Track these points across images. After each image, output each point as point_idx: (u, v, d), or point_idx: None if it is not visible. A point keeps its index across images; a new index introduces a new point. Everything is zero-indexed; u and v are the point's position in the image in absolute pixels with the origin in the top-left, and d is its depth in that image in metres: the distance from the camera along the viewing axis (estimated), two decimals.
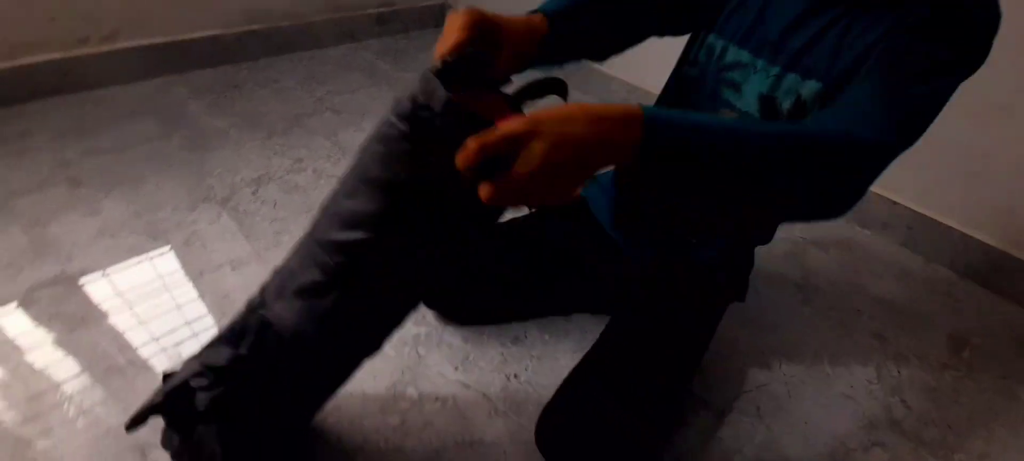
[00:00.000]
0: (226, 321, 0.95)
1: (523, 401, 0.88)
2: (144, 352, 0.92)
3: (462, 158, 0.44)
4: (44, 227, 1.15)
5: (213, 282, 1.05)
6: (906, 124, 0.55)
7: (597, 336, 0.84)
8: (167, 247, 1.12)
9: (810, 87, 0.65)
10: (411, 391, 0.88)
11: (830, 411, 0.92)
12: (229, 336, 0.63)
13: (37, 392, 0.84)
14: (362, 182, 0.56)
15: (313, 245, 0.60)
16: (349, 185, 0.58)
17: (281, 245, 1.15)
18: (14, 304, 0.98)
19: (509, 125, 0.43)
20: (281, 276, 0.62)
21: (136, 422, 0.61)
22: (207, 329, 0.96)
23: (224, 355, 0.61)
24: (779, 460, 0.84)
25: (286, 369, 0.62)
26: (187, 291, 1.03)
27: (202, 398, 0.60)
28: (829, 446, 0.86)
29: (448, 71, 0.52)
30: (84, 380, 0.86)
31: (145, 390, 0.85)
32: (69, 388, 0.85)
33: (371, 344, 0.68)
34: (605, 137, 0.44)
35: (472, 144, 0.43)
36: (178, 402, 0.61)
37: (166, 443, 0.64)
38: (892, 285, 1.20)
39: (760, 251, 1.19)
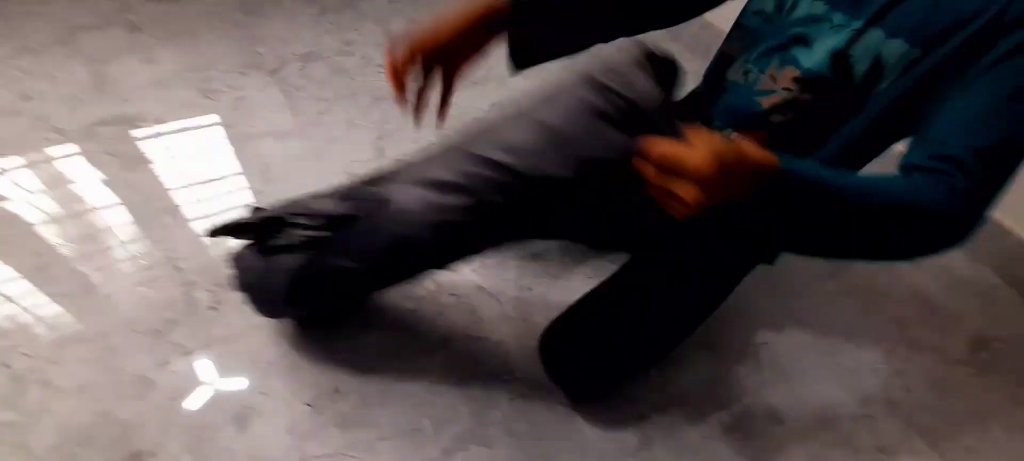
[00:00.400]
0: (268, 186, 1.01)
1: (532, 311, 0.92)
2: (186, 201, 0.98)
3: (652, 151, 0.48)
4: (104, 65, 1.19)
5: (256, 149, 1.09)
6: (1007, 178, 0.55)
7: (613, 269, 0.86)
8: (216, 107, 1.16)
9: (894, 47, 0.60)
10: (429, 283, 0.93)
11: (828, 379, 0.93)
12: (336, 195, 0.68)
13: (93, 227, 0.92)
14: (554, 141, 0.57)
15: (461, 154, 0.60)
16: (529, 129, 0.59)
17: (323, 124, 1.17)
18: (76, 136, 1.04)
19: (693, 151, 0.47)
20: (408, 167, 0.65)
21: (221, 233, 0.69)
22: (243, 190, 1.01)
23: (331, 206, 0.66)
24: (766, 410, 0.87)
25: (387, 243, 0.64)
26: (230, 153, 1.08)
27: (297, 234, 0.66)
28: (817, 408, 0.89)
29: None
30: (134, 219, 0.94)
31: (186, 236, 0.93)
32: (121, 225, 0.93)
33: (462, 255, 0.69)
34: (746, 185, 0.50)
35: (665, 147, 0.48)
36: (271, 228, 0.68)
37: (238, 263, 0.71)
38: (927, 277, 1.17)
39: None
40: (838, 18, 0.64)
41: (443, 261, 0.69)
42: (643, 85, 0.56)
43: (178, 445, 0.70)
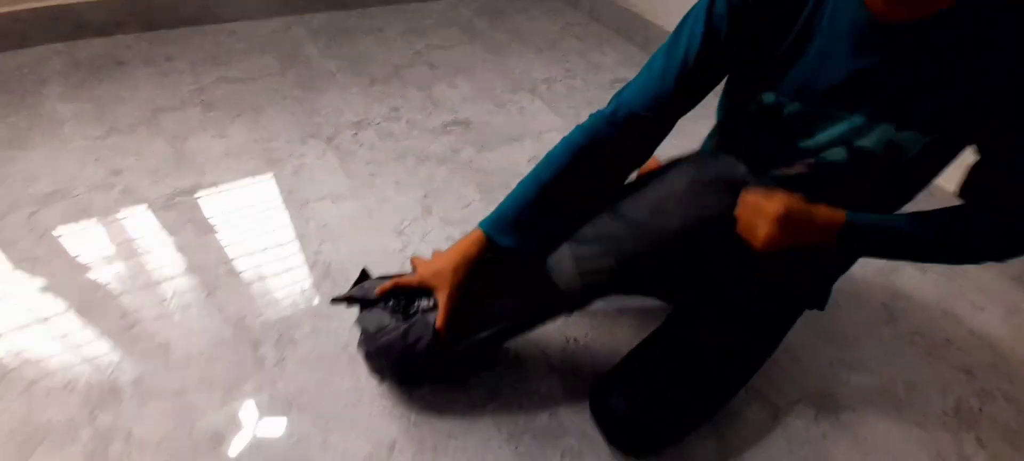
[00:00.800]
0: (325, 245, 1.08)
1: (578, 363, 0.93)
2: (253, 262, 1.06)
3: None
4: (183, 142, 1.32)
5: (316, 210, 1.17)
6: None
7: (658, 318, 0.87)
8: (280, 174, 1.26)
9: (908, 138, 0.61)
10: None
11: (894, 434, 0.89)
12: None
13: (172, 290, 1.01)
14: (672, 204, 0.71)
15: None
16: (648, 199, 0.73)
17: (374, 186, 1.25)
18: (158, 206, 1.15)
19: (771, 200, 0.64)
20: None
21: (343, 301, 0.82)
22: (307, 250, 1.09)
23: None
24: None
25: (538, 300, 0.76)
26: (293, 215, 1.16)
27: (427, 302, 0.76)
28: None
29: None
30: (206, 281, 1.02)
31: (253, 295, 0.99)
32: (196, 287, 1.01)
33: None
34: (816, 222, 0.64)
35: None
36: (401, 296, 0.78)
37: (371, 330, 0.79)
38: (994, 320, 1.11)
39: None
40: (836, 111, 0.64)
41: (573, 311, 0.80)
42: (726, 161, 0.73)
43: None
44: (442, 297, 0.73)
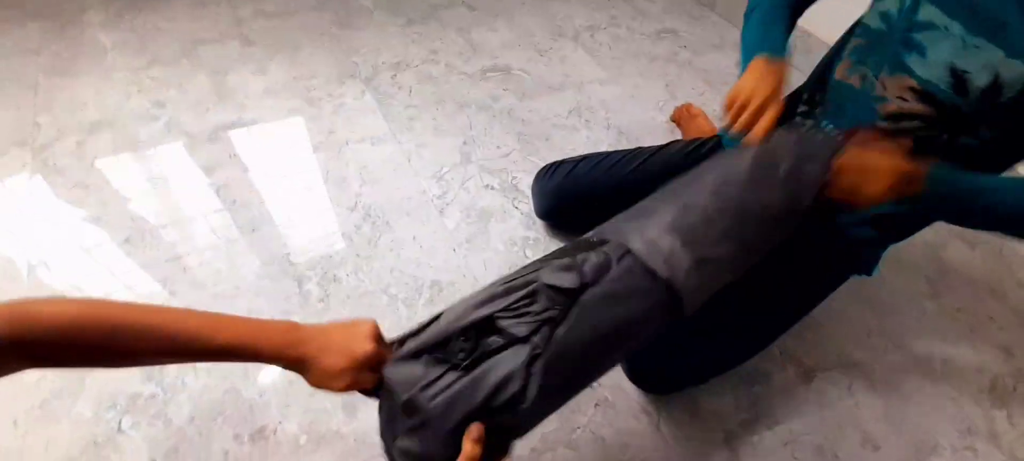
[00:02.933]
0: (366, 188, 1.09)
1: None
2: (297, 202, 1.07)
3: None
4: (223, 76, 1.32)
5: (356, 152, 1.18)
6: None
7: None
8: (319, 114, 1.26)
9: (1014, 68, 0.57)
10: None
11: (926, 406, 0.89)
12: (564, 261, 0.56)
13: (221, 224, 1.03)
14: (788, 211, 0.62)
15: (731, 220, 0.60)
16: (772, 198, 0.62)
17: (413, 130, 1.24)
18: (203, 139, 1.17)
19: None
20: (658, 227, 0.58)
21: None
22: (347, 191, 1.10)
23: (568, 279, 0.53)
24: (858, 433, 0.84)
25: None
26: (333, 155, 1.17)
27: (520, 327, 0.50)
28: (915, 437, 0.85)
29: None
30: (253, 217, 1.04)
31: (297, 233, 1.01)
32: (244, 223, 1.03)
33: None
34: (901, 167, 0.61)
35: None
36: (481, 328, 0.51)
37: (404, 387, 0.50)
38: None
39: None
40: (956, 28, 0.61)
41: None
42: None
43: (296, 425, 0.78)
44: None
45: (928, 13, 0.63)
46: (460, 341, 0.50)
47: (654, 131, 1.30)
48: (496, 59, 1.48)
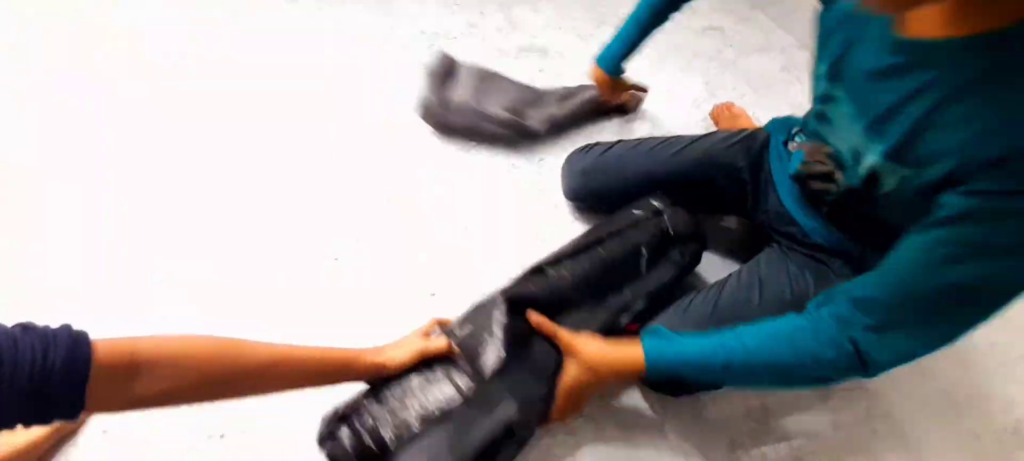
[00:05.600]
0: (391, 185, 1.09)
1: None
2: (327, 157, 1.08)
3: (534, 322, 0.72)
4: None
5: (387, 115, 1.18)
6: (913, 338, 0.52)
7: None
8: (356, 72, 1.26)
9: (892, 169, 0.55)
10: None
11: (946, 439, 0.86)
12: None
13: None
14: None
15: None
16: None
17: None
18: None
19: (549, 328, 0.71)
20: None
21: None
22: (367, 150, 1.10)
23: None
24: (869, 460, 0.82)
25: None
26: (367, 116, 1.17)
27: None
28: None
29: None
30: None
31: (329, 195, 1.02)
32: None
33: None
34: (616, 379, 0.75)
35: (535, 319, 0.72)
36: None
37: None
38: None
39: None
40: (846, 107, 0.59)
41: None
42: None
43: None
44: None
45: (827, 88, 0.63)
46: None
47: (689, 127, 1.27)
48: (534, 39, 1.45)
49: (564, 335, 0.70)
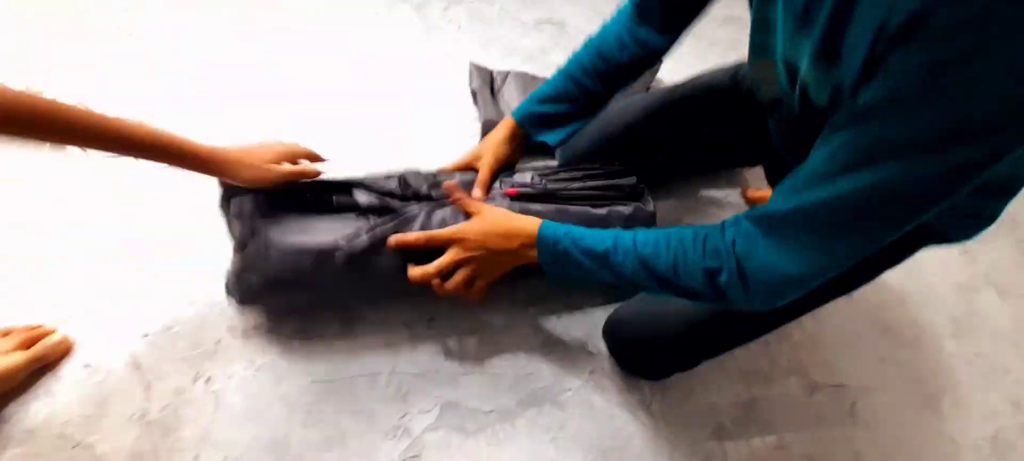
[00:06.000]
0: (379, 116, 1.08)
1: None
2: (327, 114, 1.07)
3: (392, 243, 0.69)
4: None
5: (392, 76, 1.17)
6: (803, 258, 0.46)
7: None
8: (357, 31, 1.24)
9: (818, 76, 0.47)
10: None
11: (925, 445, 0.87)
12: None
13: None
14: None
15: None
16: None
17: (456, 68, 1.22)
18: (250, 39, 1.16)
19: (439, 233, 0.68)
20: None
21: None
22: (365, 114, 1.09)
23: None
24: (850, 455, 0.84)
25: None
26: (369, 75, 1.16)
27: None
28: None
29: None
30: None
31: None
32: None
33: None
34: (513, 252, 0.67)
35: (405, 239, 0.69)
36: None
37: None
38: None
39: (929, 264, 1.07)
40: (781, 15, 0.52)
41: None
42: None
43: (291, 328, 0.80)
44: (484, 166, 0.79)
45: None
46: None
47: None
48: (553, 12, 1.43)
49: (474, 203, 0.71)
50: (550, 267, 0.65)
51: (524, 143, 0.84)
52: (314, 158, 0.75)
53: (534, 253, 0.65)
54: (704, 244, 0.52)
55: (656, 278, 0.56)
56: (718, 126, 0.90)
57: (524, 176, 0.82)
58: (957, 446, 0.89)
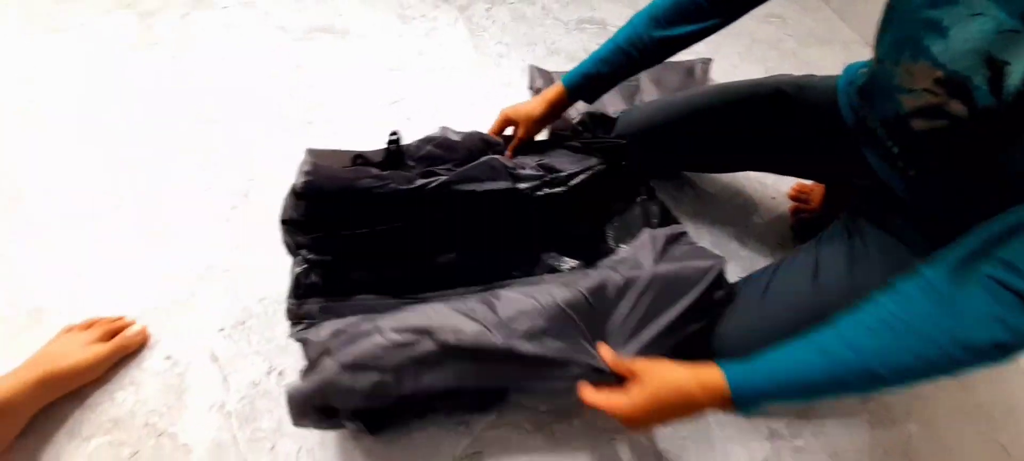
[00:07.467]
0: (438, 116, 1.09)
1: None
2: (377, 118, 1.09)
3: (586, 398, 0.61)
4: None
5: (442, 77, 1.18)
6: None
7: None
8: (410, 32, 1.25)
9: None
10: None
11: (977, 449, 0.87)
12: None
13: (304, 116, 1.06)
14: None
15: None
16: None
17: (501, 67, 1.23)
18: (297, 37, 1.18)
19: (624, 366, 0.61)
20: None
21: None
22: (421, 112, 1.10)
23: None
24: None
25: None
26: (418, 78, 1.17)
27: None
28: None
29: None
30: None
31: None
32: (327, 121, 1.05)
33: None
34: (693, 412, 0.56)
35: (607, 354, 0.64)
36: None
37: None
38: None
39: None
40: (981, 5, 0.47)
41: None
42: None
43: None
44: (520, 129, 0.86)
45: None
46: None
47: None
48: (594, 11, 1.43)
49: (623, 364, 0.61)
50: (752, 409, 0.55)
51: (558, 110, 0.88)
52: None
53: (723, 409, 0.54)
54: (960, 313, 0.45)
55: (905, 377, 0.48)
56: (771, 130, 0.90)
57: (526, 168, 0.85)
58: (1008, 455, 0.88)
